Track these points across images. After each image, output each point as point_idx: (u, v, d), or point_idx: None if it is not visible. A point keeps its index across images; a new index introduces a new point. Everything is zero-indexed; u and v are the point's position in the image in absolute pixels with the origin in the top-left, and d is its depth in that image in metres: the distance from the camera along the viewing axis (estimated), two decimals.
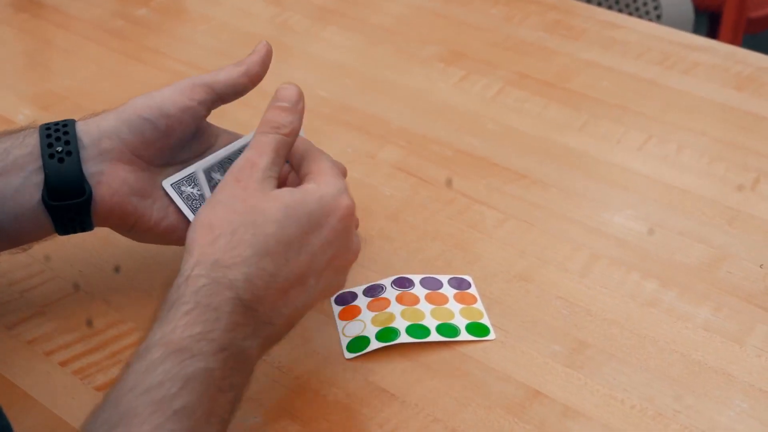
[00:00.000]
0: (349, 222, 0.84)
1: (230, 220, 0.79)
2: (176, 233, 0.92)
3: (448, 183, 1.14)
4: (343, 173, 0.91)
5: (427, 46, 1.42)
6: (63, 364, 0.90)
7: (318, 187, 0.83)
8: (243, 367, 0.76)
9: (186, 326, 0.73)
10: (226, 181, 0.82)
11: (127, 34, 1.46)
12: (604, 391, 0.88)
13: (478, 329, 0.94)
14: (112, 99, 1.28)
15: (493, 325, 0.94)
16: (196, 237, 0.79)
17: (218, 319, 0.74)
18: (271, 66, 1.35)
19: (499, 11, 1.51)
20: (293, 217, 0.80)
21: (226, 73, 0.93)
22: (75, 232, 0.91)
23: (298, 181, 0.87)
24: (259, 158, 0.83)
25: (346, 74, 1.36)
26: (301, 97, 0.88)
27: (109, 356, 0.91)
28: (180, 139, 0.92)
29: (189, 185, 0.91)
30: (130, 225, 0.91)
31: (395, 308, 0.94)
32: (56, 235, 0.91)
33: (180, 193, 0.90)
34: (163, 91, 0.91)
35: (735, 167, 1.16)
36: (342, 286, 0.86)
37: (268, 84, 1.32)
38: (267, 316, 0.78)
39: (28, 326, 0.94)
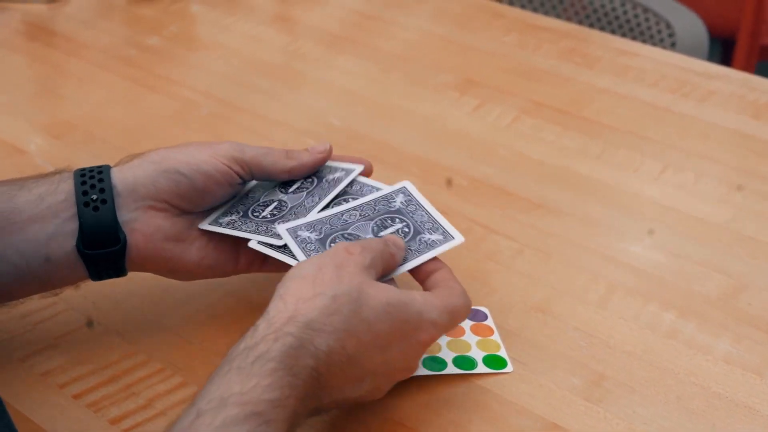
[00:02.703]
0: (424, 349, 0.84)
1: (334, 286, 0.79)
2: (218, 269, 0.93)
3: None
4: (463, 308, 0.87)
5: (440, 73, 1.42)
6: (76, 397, 0.89)
7: (423, 302, 0.83)
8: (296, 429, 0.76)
9: (267, 388, 0.72)
10: (337, 248, 0.83)
11: (139, 61, 1.46)
12: (624, 424, 0.87)
13: (495, 362, 0.93)
14: (124, 127, 1.29)
15: (510, 357, 0.93)
16: (295, 287, 0.79)
17: (296, 387, 0.74)
18: (282, 94, 1.36)
19: (512, 38, 1.51)
20: (391, 315, 0.80)
21: (272, 160, 0.94)
22: (109, 277, 0.91)
23: None
24: (370, 250, 0.84)
25: (358, 102, 1.36)
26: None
27: (123, 389, 0.90)
28: (214, 198, 0.93)
29: (308, 230, 0.90)
30: (169, 269, 0.92)
31: None
32: (89, 280, 0.91)
33: (295, 237, 0.89)
34: (202, 152, 0.92)
35: (753, 195, 1.15)
36: (382, 395, 0.85)
37: (277, 113, 1.32)
38: (327, 395, 0.78)
39: (41, 359, 0.93)
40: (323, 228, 0.90)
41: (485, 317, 0.97)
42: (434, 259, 0.89)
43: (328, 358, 0.76)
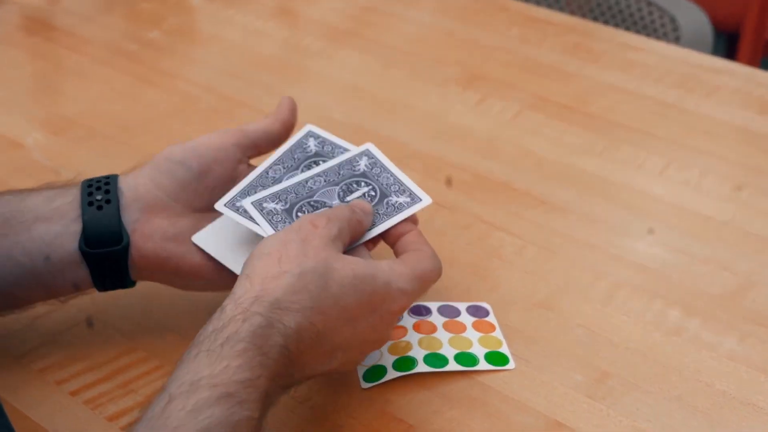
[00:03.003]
0: (395, 318, 0.84)
1: (300, 262, 0.78)
2: (225, 272, 0.91)
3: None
4: (433, 273, 0.86)
5: (443, 67, 1.41)
6: (74, 393, 0.89)
7: (391, 272, 0.82)
8: (267, 414, 0.75)
9: (238, 369, 0.72)
10: (302, 222, 0.82)
11: (139, 56, 1.45)
12: (627, 422, 0.86)
13: (497, 358, 0.92)
14: (123, 122, 1.28)
15: (512, 354, 0.92)
16: (261, 265, 0.79)
17: (266, 366, 0.73)
18: (283, 88, 1.35)
19: (516, 32, 1.50)
20: (358, 288, 0.79)
21: (258, 121, 0.95)
22: (114, 286, 0.90)
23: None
24: (336, 220, 0.83)
25: (360, 96, 1.35)
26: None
27: (120, 386, 0.89)
28: (218, 180, 0.92)
29: (273, 201, 0.89)
30: (172, 271, 0.90)
31: (412, 337, 0.93)
32: (95, 291, 0.91)
33: (261, 209, 0.88)
34: (198, 138, 0.93)
35: (758, 192, 1.14)
36: (356, 366, 0.86)
37: None
38: (297, 371, 0.78)
39: (39, 355, 0.93)
40: (288, 197, 0.89)
41: (487, 314, 0.97)
42: (404, 221, 0.89)
43: (298, 336, 0.76)
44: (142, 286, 0.98)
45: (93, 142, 1.24)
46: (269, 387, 0.74)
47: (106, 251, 0.87)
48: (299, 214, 0.88)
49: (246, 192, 0.91)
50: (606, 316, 0.97)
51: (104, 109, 1.33)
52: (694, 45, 1.72)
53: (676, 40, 1.81)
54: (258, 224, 0.87)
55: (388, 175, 0.92)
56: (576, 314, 0.97)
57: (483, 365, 0.91)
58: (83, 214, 0.88)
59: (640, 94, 1.34)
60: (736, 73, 1.40)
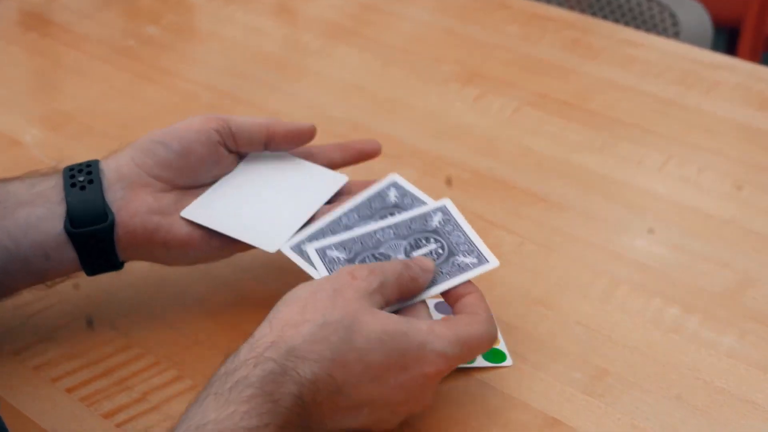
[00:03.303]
0: (433, 382, 0.80)
1: (325, 313, 0.76)
2: (214, 241, 0.91)
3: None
4: (482, 339, 0.83)
5: (442, 65, 1.40)
6: (70, 390, 0.89)
7: (428, 332, 0.79)
8: None
9: (244, 415, 0.70)
10: (341, 272, 0.80)
11: (137, 53, 1.44)
12: (626, 420, 0.86)
13: (494, 355, 0.91)
14: (121, 119, 1.28)
15: (510, 351, 0.92)
16: (285, 311, 0.77)
17: (276, 414, 0.71)
18: (283, 86, 1.34)
19: (515, 29, 1.49)
20: (387, 345, 0.76)
21: (247, 117, 0.95)
22: (102, 269, 0.90)
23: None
24: (380, 274, 0.80)
25: (359, 94, 1.34)
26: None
27: (116, 383, 0.89)
28: (200, 161, 0.92)
29: (337, 250, 0.87)
30: (160, 243, 0.90)
31: None
32: (82, 274, 0.90)
33: (324, 257, 0.86)
34: (179, 122, 0.94)
35: (758, 190, 1.14)
36: (391, 427, 0.81)
37: (277, 105, 1.31)
38: (314, 424, 0.75)
39: (35, 352, 0.92)
40: (353, 247, 0.87)
41: None
42: (467, 282, 0.86)
43: (314, 386, 0.73)
44: (139, 282, 0.98)
45: (91, 139, 1.24)
46: None
47: (91, 230, 0.87)
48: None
49: (314, 236, 0.89)
50: (605, 314, 0.97)
51: (102, 106, 1.32)
52: (694, 40, 1.72)
53: (676, 36, 1.80)
54: (317, 270, 0.85)
55: (460, 234, 0.89)
56: (575, 312, 0.97)
57: (480, 362, 0.90)
58: (67, 195, 0.87)
59: (639, 91, 1.34)
60: (737, 68, 1.39)
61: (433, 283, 0.85)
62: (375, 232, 0.89)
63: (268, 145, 0.96)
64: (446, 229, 0.90)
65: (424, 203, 0.93)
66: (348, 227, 0.90)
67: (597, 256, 1.04)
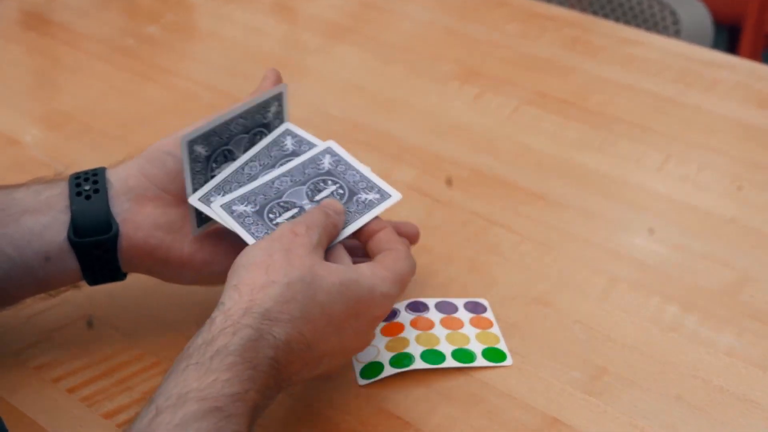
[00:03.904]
0: (378, 322, 0.84)
1: (287, 271, 0.78)
2: (215, 265, 0.90)
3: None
4: (410, 273, 0.87)
5: (441, 63, 1.40)
6: (70, 391, 0.89)
7: (373, 275, 0.82)
8: (256, 422, 0.75)
9: (226, 383, 0.71)
10: (283, 230, 0.82)
11: (137, 52, 1.45)
12: (624, 418, 0.86)
13: (494, 354, 0.92)
14: (121, 118, 1.28)
15: (509, 350, 0.92)
16: (249, 276, 0.78)
17: (255, 379, 0.73)
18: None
19: (514, 27, 1.49)
20: (344, 295, 0.80)
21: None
22: (104, 279, 0.90)
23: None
24: (315, 227, 0.83)
25: (358, 93, 1.35)
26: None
27: (117, 383, 0.89)
28: None
29: (242, 204, 0.88)
30: (161, 260, 0.90)
31: (409, 333, 0.93)
32: (85, 284, 0.91)
33: (231, 212, 0.88)
34: (187, 128, 0.91)
35: (757, 188, 1.14)
36: (336, 372, 0.85)
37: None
38: (286, 381, 0.77)
39: (35, 352, 0.93)
40: (257, 199, 0.88)
41: (485, 310, 0.96)
42: (376, 218, 0.88)
43: (287, 347, 0.76)
44: (138, 283, 0.98)
45: (90, 138, 1.24)
46: (258, 400, 0.73)
47: (95, 240, 0.87)
48: (270, 216, 0.87)
49: (220, 187, 0.90)
50: (604, 312, 0.97)
51: (101, 105, 1.32)
52: (695, 39, 1.72)
53: (677, 34, 1.80)
54: (226, 224, 0.87)
55: (354, 173, 0.91)
56: (574, 310, 0.97)
57: (480, 362, 0.91)
58: (71, 204, 0.87)
59: (639, 89, 1.34)
60: (736, 67, 1.39)
61: (345, 224, 0.87)
62: (272, 181, 0.90)
63: None
64: (339, 169, 0.92)
65: (309, 145, 0.95)
66: (252, 177, 0.91)
67: (596, 254, 1.04)
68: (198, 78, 1.37)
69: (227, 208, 0.88)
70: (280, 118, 0.95)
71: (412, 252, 0.89)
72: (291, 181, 0.90)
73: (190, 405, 0.70)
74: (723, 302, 0.98)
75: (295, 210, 0.88)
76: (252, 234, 0.85)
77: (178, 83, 1.36)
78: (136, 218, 0.88)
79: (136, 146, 0.94)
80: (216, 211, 0.88)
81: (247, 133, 0.92)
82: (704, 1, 1.90)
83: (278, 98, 0.95)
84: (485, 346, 0.92)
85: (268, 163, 0.93)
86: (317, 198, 0.89)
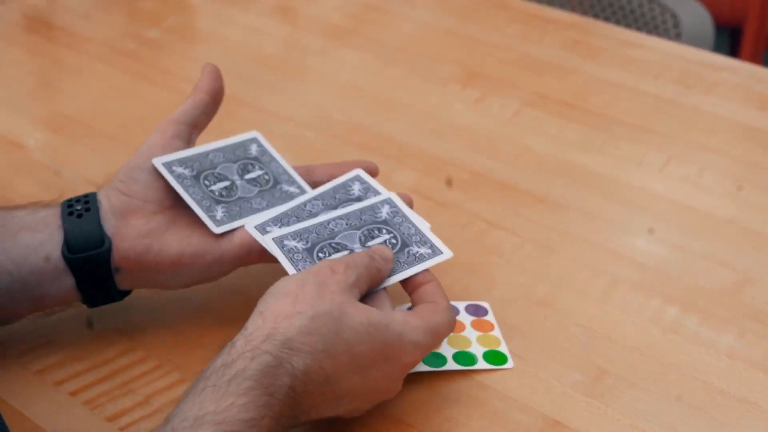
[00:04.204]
0: (407, 370, 0.83)
1: (314, 304, 0.78)
2: (206, 256, 0.91)
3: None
4: (446, 326, 0.86)
5: (443, 65, 1.41)
6: (73, 393, 0.89)
7: (404, 323, 0.82)
8: None
9: (242, 408, 0.72)
10: (321, 266, 0.82)
11: (138, 55, 1.45)
12: (626, 420, 0.86)
13: (495, 357, 0.92)
14: (123, 120, 1.28)
15: (511, 352, 0.92)
16: (275, 304, 0.79)
17: (271, 407, 0.73)
18: (285, 87, 1.35)
19: (515, 30, 1.50)
20: (372, 336, 0.79)
21: (184, 102, 0.97)
22: (102, 298, 0.91)
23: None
24: (354, 267, 0.83)
25: (360, 94, 1.35)
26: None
27: (120, 386, 0.89)
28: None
29: (294, 240, 0.89)
30: (153, 265, 0.90)
31: None
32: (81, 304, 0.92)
33: (282, 246, 0.88)
34: (146, 140, 0.95)
35: (757, 189, 1.14)
36: (361, 414, 0.84)
37: (278, 106, 1.31)
38: (302, 413, 0.77)
39: (38, 355, 0.93)
40: (310, 237, 0.89)
41: (486, 312, 0.97)
42: (425, 271, 0.88)
43: (305, 378, 0.76)
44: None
45: (92, 141, 1.24)
46: (272, 427, 0.73)
47: (87, 255, 0.88)
48: (320, 255, 0.88)
49: (278, 219, 0.92)
50: (604, 314, 0.97)
51: (104, 107, 1.33)
52: (696, 41, 1.73)
53: (677, 37, 1.81)
54: (277, 257, 0.88)
55: (410, 226, 0.92)
56: (574, 312, 0.97)
57: (482, 364, 0.91)
58: (64, 222, 0.89)
59: (639, 91, 1.34)
60: (737, 69, 1.39)
61: (392, 272, 0.88)
62: (328, 222, 0.91)
63: (215, 106, 0.99)
64: (395, 220, 0.92)
65: (362, 197, 0.96)
66: (312, 214, 0.93)
67: (597, 256, 1.05)
68: None
69: (279, 241, 0.88)
70: (267, 154, 0.99)
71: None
72: (346, 224, 0.91)
73: (206, 428, 0.70)
74: (723, 303, 0.98)
75: (345, 252, 0.88)
76: (297, 270, 0.86)
77: (179, 85, 1.36)
78: (123, 231, 0.90)
79: (137, 148, 0.94)
80: (267, 243, 0.88)
81: (234, 162, 0.97)
82: (705, 3, 1.91)
83: (254, 141, 0.99)
84: (486, 349, 0.92)
85: (330, 204, 0.94)
86: (369, 244, 0.90)
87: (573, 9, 1.88)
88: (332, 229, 0.90)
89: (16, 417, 0.86)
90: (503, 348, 0.93)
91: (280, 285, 0.81)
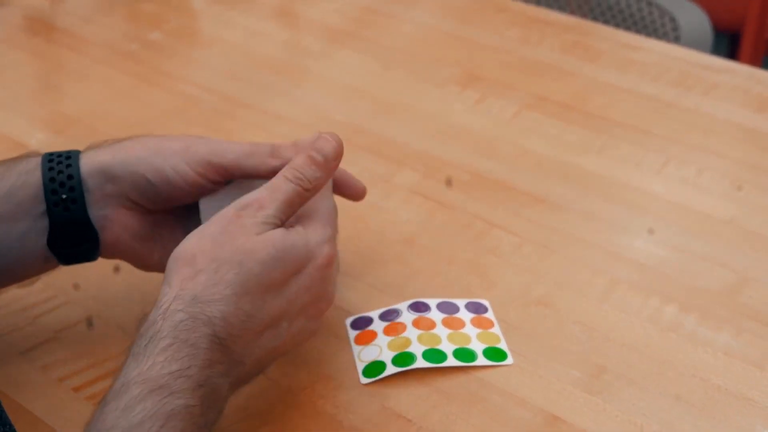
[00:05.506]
0: (328, 271, 0.84)
1: (215, 257, 0.78)
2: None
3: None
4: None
5: (443, 68, 1.41)
6: (77, 389, 0.90)
7: (305, 232, 0.82)
8: (216, 404, 0.76)
9: (165, 363, 0.72)
10: (226, 213, 0.81)
11: (140, 57, 1.45)
12: (623, 417, 0.86)
13: (495, 354, 0.92)
14: (125, 122, 1.28)
15: (510, 350, 0.93)
16: (177, 268, 0.78)
17: (195, 356, 0.73)
18: (284, 89, 1.35)
19: (515, 32, 1.50)
20: (280, 260, 0.80)
21: (255, 163, 0.89)
22: (78, 262, 0.91)
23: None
24: (269, 202, 0.82)
25: (360, 97, 1.35)
26: (339, 155, 0.87)
27: None
28: (182, 202, 0.92)
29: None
30: (141, 265, 0.93)
31: (411, 333, 0.93)
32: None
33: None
34: (176, 157, 0.89)
35: (756, 190, 1.15)
36: (314, 334, 0.85)
37: (279, 108, 1.32)
38: (240, 356, 0.77)
39: (42, 352, 0.93)
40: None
41: (486, 310, 0.97)
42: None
43: (225, 322, 0.76)
44: (145, 284, 0.98)
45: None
46: (204, 375, 0.73)
47: (75, 250, 0.89)
48: None
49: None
50: (603, 313, 0.97)
51: (105, 109, 1.33)
52: (694, 45, 1.73)
53: (676, 40, 1.81)
54: None
55: None
56: (573, 311, 0.98)
57: (481, 361, 0.91)
58: (50, 215, 0.87)
59: (638, 93, 1.35)
60: (735, 71, 1.40)
61: None
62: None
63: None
64: None
65: None
66: None
67: (596, 255, 1.05)
68: (201, 82, 1.38)
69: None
70: None
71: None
72: None
73: (133, 389, 0.71)
74: (722, 303, 0.99)
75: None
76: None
77: (181, 87, 1.37)
78: (115, 228, 0.89)
79: None
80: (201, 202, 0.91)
81: None
82: (704, 7, 1.91)
83: None
84: (486, 346, 0.93)
85: None
86: None
87: (572, 12, 1.89)
88: None
89: (19, 411, 0.87)
90: (503, 345, 0.93)
91: (180, 248, 0.80)
